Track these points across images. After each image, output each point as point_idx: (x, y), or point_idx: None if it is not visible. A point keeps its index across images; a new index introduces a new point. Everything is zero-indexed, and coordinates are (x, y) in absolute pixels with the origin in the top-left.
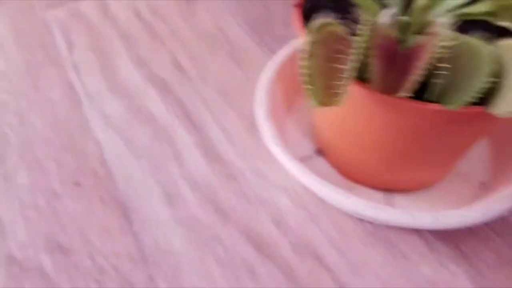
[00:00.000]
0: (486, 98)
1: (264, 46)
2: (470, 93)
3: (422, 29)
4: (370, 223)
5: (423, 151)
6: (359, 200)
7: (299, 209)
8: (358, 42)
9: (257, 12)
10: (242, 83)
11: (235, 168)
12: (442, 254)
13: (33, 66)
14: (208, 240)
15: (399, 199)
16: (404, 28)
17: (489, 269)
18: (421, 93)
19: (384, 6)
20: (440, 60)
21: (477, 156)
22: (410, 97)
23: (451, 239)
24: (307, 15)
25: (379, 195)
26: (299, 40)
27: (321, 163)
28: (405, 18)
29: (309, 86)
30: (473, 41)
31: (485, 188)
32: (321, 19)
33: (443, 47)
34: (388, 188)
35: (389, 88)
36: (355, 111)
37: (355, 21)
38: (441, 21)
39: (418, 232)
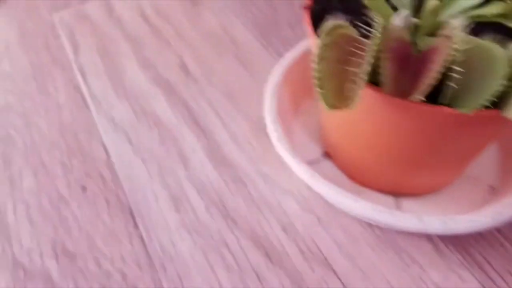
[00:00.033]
0: (498, 101)
1: (270, 47)
2: (484, 96)
3: (433, 31)
4: (379, 227)
5: (434, 155)
6: (368, 204)
7: (307, 213)
8: (371, 45)
9: (263, 13)
10: (249, 85)
11: (242, 172)
12: (451, 259)
13: (38, 68)
14: (215, 245)
15: (407, 203)
16: (415, 30)
17: (498, 274)
18: (433, 96)
19: (394, 8)
20: (453, 63)
21: (487, 160)
22: (423, 101)
23: (461, 243)
24: (317, 17)
25: (387, 199)
26: (309, 42)
27: (329, 166)
28: (415, 20)
29: (320, 89)
30: (487, 44)
31: (494, 192)
32: (332, 22)
33: (457, 50)
34: (397, 191)
35: (402, 91)
36: (365, 114)
37: (366, 23)
38: (454, 23)
39: (427, 236)
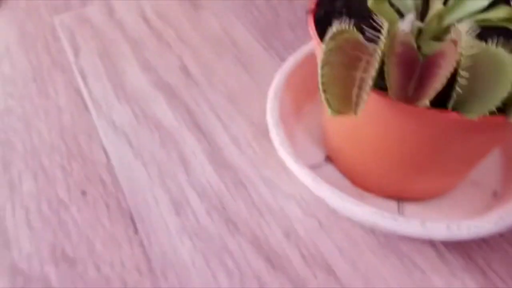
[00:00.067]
0: (504, 106)
1: (271, 50)
2: (491, 102)
3: (438, 35)
4: (381, 232)
5: (438, 160)
6: (371, 210)
7: (309, 218)
8: (377, 50)
9: (264, 15)
10: (250, 88)
11: (244, 176)
12: (455, 264)
13: (39, 71)
14: (216, 250)
15: (410, 207)
16: (419, 34)
17: (502, 280)
18: (438, 100)
19: (399, 12)
20: (460, 68)
21: (489, 165)
22: (428, 106)
23: (464, 249)
24: (320, 21)
25: (390, 203)
26: (312, 45)
27: (331, 170)
28: (420, 24)
29: (325, 94)
30: (494, 49)
31: (497, 197)
32: (336, 26)
33: (464, 55)
34: (400, 196)
35: (407, 96)
36: (370, 118)
37: (370, 27)
38: (461, 28)
39: (429, 242)
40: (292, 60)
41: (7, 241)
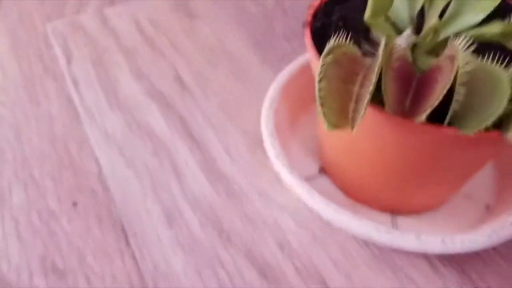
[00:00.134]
0: (499, 122)
1: (266, 61)
2: (487, 118)
3: (433, 49)
4: (376, 245)
5: (434, 174)
6: (367, 223)
7: (303, 230)
8: (375, 65)
9: (258, 26)
10: (244, 98)
11: (238, 187)
12: (448, 278)
13: (30, 79)
14: (209, 263)
15: (404, 220)
16: (414, 48)
17: None
18: (435, 115)
19: (395, 26)
20: (456, 83)
21: (482, 178)
22: (425, 121)
23: (457, 262)
24: (317, 34)
25: (384, 216)
26: (307, 57)
27: (325, 182)
28: (416, 38)
29: (322, 108)
30: (490, 65)
31: (490, 210)
32: (333, 40)
33: (461, 71)
34: (394, 209)
35: (404, 111)
36: (366, 133)
37: (366, 40)
38: (458, 44)
39: (424, 255)
40: (287, 71)
41: None
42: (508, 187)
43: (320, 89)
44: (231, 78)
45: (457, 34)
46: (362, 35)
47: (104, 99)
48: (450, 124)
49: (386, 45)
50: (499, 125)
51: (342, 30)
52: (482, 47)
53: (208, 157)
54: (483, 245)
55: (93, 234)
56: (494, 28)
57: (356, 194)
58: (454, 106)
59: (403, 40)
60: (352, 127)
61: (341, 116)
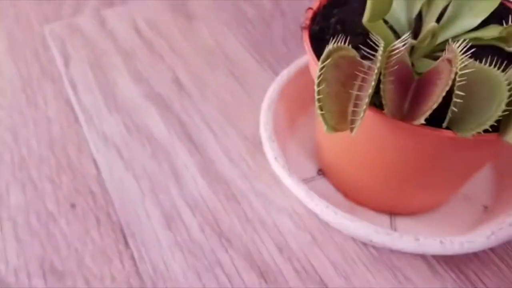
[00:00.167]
0: (497, 124)
1: (264, 63)
2: (485, 121)
3: (431, 53)
4: (374, 246)
5: (431, 176)
6: (366, 225)
7: (302, 232)
8: (374, 68)
9: (257, 29)
10: (243, 100)
11: (236, 189)
12: (446, 279)
13: (28, 81)
14: (208, 265)
15: (402, 221)
16: (412, 51)
17: None
18: (433, 118)
19: (393, 29)
20: (455, 86)
21: (480, 179)
22: (423, 123)
23: (455, 263)
24: (315, 37)
25: (383, 218)
26: (305, 59)
27: (324, 184)
28: (414, 42)
29: (321, 111)
30: (488, 68)
31: (488, 211)
32: (332, 44)
33: (460, 74)
34: (392, 211)
35: (403, 114)
36: (366, 135)
37: (365, 44)
38: (456, 47)
39: (422, 256)
40: (285, 73)
41: None
42: (506, 188)
43: (319, 92)
44: (229, 80)
45: (454, 38)
46: (360, 38)
47: (102, 102)
48: (448, 126)
49: (384, 48)
50: (497, 127)
51: (340, 34)
52: (480, 51)
53: (207, 159)
54: (481, 246)
55: (91, 236)
56: (492, 32)
57: (354, 196)
58: (452, 109)
59: (402, 43)
60: (352, 130)
61: (341, 119)
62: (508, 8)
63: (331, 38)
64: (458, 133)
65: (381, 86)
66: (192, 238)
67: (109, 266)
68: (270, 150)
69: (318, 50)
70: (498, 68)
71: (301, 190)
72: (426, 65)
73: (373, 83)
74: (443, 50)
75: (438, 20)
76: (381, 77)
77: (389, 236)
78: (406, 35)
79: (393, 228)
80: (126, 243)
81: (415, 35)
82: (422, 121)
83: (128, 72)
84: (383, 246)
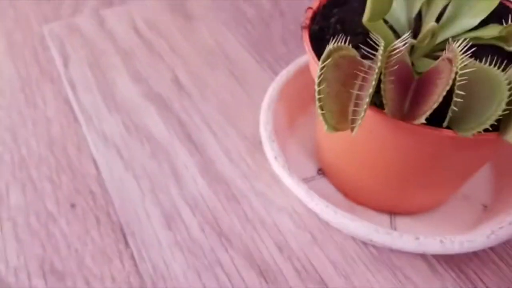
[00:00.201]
0: (497, 123)
1: (263, 63)
2: (485, 120)
3: (431, 52)
4: (374, 245)
5: (433, 175)
6: (366, 224)
7: (302, 231)
8: (375, 68)
9: (256, 28)
10: (243, 101)
11: (236, 189)
12: (446, 278)
13: (27, 81)
14: (208, 265)
15: (402, 221)
16: (412, 51)
17: None
18: (433, 117)
19: (393, 29)
20: (455, 86)
21: (480, 178)
22: (424, 122)
23: (455, 262)
24: (315, 36)
25: (383, 217)
26: (304, 59)
27: (324, 183)
28: (414, 41)
29: (322, 111)
30: (488, 67)
31: (487, 210)
32: (333, 43)
33: (460, 73)
34: (392, 210)
35: (403, 113)
36: (366, 134)
37: (364, 43)
38: (456, 47)
39: (422, 255)
40: (285, 73)
41: None
42: (506, 187)
43: (319, 92)
44: (229, 80)
45: (454, 37)
46: (360, 38)
47: (101, 102)
48: (448, 126)
49: (385, 48)
50: (497, 126)
51: (340, 33)
52: (479, 50)
53: (207, 159)
54: (481, 245)
55: (91, 236)
56: (491, 31)
57: (355, 195)
58: (452, 108)
59: (402, 43)
60: (352, 130)
61: (341, 118)
62: (508, 7)
63: (331, 38)
64: (459, 132)
65: (382, 85)
66: (192, 237)
67: (109, 266)
68: (270, 149)
69: (318, 50)
70: (498, 68)
71: (301, 189)
72: (426, 64)
73: (373, 82)
74: (442, 49)
75: (438, 19)
76: (382, 77)
77: (389, 235)
78: (406, 35)
79: (393, 227)
80: (126, 243)
81: (415, 34)
82: (422, 120)
83: (127, 72)
84: (383, 246)
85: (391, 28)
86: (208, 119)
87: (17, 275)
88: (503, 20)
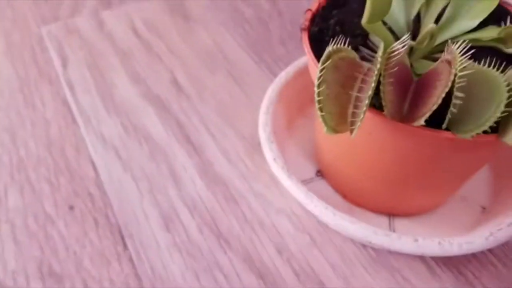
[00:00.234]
0: (496, 125)
1: (262, 64)
2: (484, 122)
3: (430, 54)
4: (373, 247)
5: (432, 177)
6: (365, 227)
7: (300, 233)
8: (374, 70)
9: (254, 30)
10: (241, 101)
11: (235, 190)
12: (445, 279)
13: (25, 82)
14: (207, 267)
15: (401, 223)
16: (411, 52)
17: None
18: (432, 119)
19: (392, 31)
20: (454, 88)
21: (478, 180)
22: (423, 124)
23: (454, 264)
24: (314, 38)
25: (382, 219)
26: (303, 60)
27: (322, 185)
28: (412, 43)
29: (321, 112)
30: (487, 69)
31: (486, 212)
32: (332, 45)
33: (459, 75)
34: (391, 212)
35: (403, 115)
36: (365, 136)
37: (364, 45)
38: (455, 48)
39: (420, 257)
40: (284, 75)
41: None
42: (504, 189)
43: (319, 94)
44: (227, 81)
45: (453, 39)
46: (359, 39)
47: (100, 103)
48: (447, 128)
49: (384, 50)
50: (496, 128)
51: (339, 35)
52: (478, 52)
53: (205, 160)
54: (480, 247)
55: (90, 238)
56: (490, 33)
57: (353, 197)
58: (451, 110)
59: (401, 45)
60: (351, 131)
61: (340, 120)
62: (506, 9)
63: (330, 39)
64: (458, 134)
65: (381, 87)
66: (190, 239)
67: (107, 268)
68: (269, 151)
69: (317, 51)
70: (497, 70)
71: (300, 191)
72: (425, 66)
73: (373, 84)
74: (441, 51)
75: (437, 21)
76: (381, 79)
77: (388, 237)
78: (405, 37)
79: (392, 229)
80: (125, 245)
81: (414, 36)
82: (422, 122)
83: (126, 73)
84: (382, 247)
85: (390, 29)
86: (206, 120)
87: (15, 278)
88: (502, 22)
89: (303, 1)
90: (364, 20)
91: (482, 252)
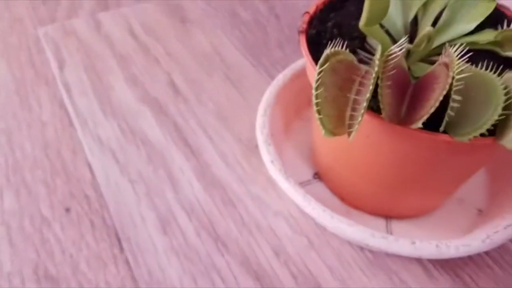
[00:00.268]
0: (493, 128)
1: (259, 67)
2: (482, 125)
3: (427, 57)
4: (370, 250)
5: (427, 180)
6: (362, 229)
7: (298, 236)
8: (372, 73)
9: (252, 32)
10: (239, 105)
11: (232, 193)
12: (442, 282)
13: (22, 84)
14: (204, 270)
15: (398, 225)
16: (409, 55)
17: None
18: (430, 122)
19: (389, 34)
20: (452, 91)
21: (474, 183)
22: (421, 128)
23: (450, 266)
24: (312, 41)
25: (379, 221)
26: (301, 63)
27: (320, 187)
28: (410, 46)
29: (319, 115)
30: (484, 72)
31: (482, 214)
32: (330, 48)
33: (457, 78)
34: (388, 214)
35: (400, 118)
36: (363, 139)
37: (361, 48)
38: (453, 51)
39: (417, 259)
40: (281, 77)
41: None
42: (501, 192)
43: (317, 97)
44: (225, 84)
45: (450, 42)
46: (357, 42)
47: (97, 105)
48: (445, 130)
49: (382, 53)
50: (493, 131)
51: (337, 38)
52: (475, 55)
53: (203, 163)
54: (477, 249)
55: (86, 240)
56: (487, 36)
57: (351, 199)
58: (449, 113)
59: (399, 47)
60: (349, 134)
61: (338, 123)
62: (503, 13)
63: (328, 42)
64: (455, 137)
65: (379, 90)
66: (188, 242)
67: (104, 271)
68: (266, 153)
69: (315, 54)
70: (494, 73)
71: (298, 194)
72: (422, 69)
73: (370, 87)
74: (439, 54)
75: (434, 24)
76: (379, 81)
77: (385, 239)
78: (403, 40)
79: (389, 231)
80: (121, 248)
81: (411, 39)
82: (419, 125)
83: (123, 75)
84: (379, 250)
85: (388, 32)
86: (204, 123)
87: (11, 280)
88: (499, 25)
89: (299, 5)
90: (361, 23)
91: (479, 255)
